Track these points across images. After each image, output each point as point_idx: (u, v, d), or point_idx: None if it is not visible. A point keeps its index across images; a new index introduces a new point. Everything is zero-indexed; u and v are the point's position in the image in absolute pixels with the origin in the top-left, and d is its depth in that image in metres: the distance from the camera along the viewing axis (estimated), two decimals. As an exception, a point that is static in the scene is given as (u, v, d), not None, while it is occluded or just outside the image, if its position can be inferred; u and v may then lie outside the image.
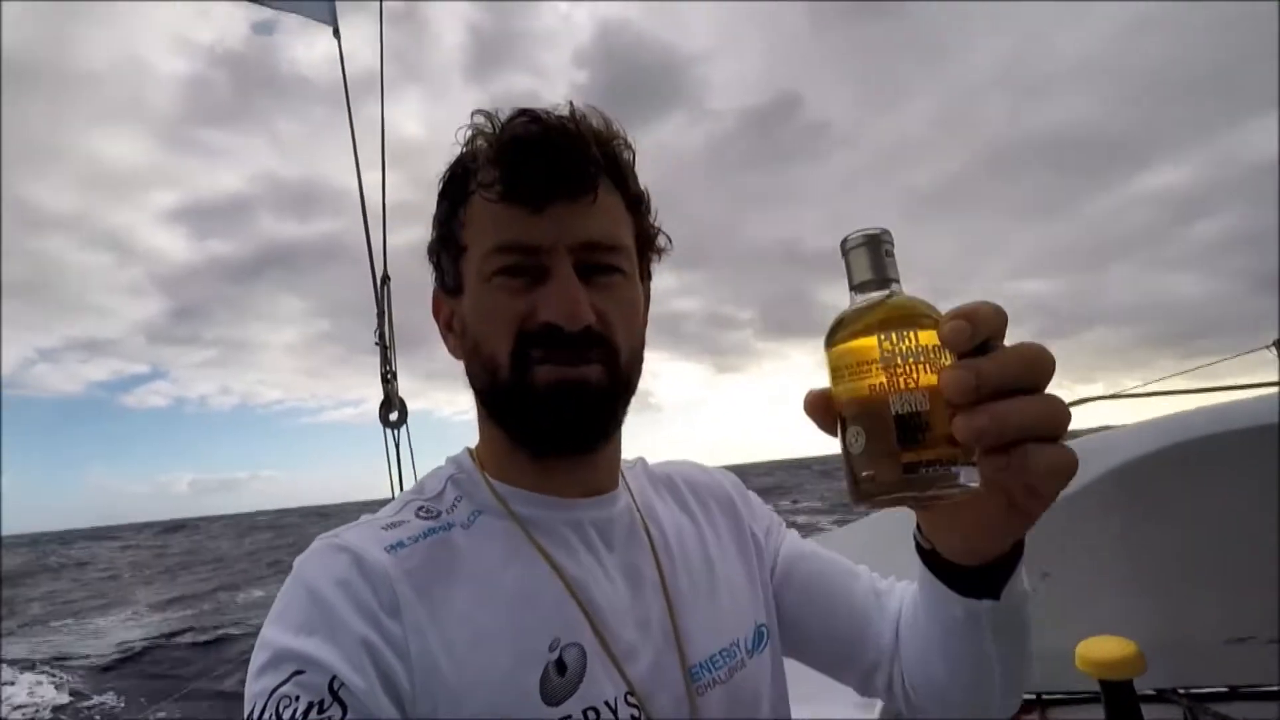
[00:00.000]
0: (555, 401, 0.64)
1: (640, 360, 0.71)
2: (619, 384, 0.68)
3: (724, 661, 0.71)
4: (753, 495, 0.90)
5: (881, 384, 0.43)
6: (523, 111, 0.66)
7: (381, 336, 1.76)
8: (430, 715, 0.57)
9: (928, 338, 0.44)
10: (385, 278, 2.02)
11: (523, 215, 0.64)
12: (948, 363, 0.43)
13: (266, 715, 0.53)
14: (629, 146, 0.70)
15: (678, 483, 0.85)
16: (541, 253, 0.64)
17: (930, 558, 0.62)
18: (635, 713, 0.63)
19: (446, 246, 0.70)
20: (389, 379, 1.68)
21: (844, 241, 0.49)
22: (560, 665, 0.61)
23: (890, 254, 0.48)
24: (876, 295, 0.47)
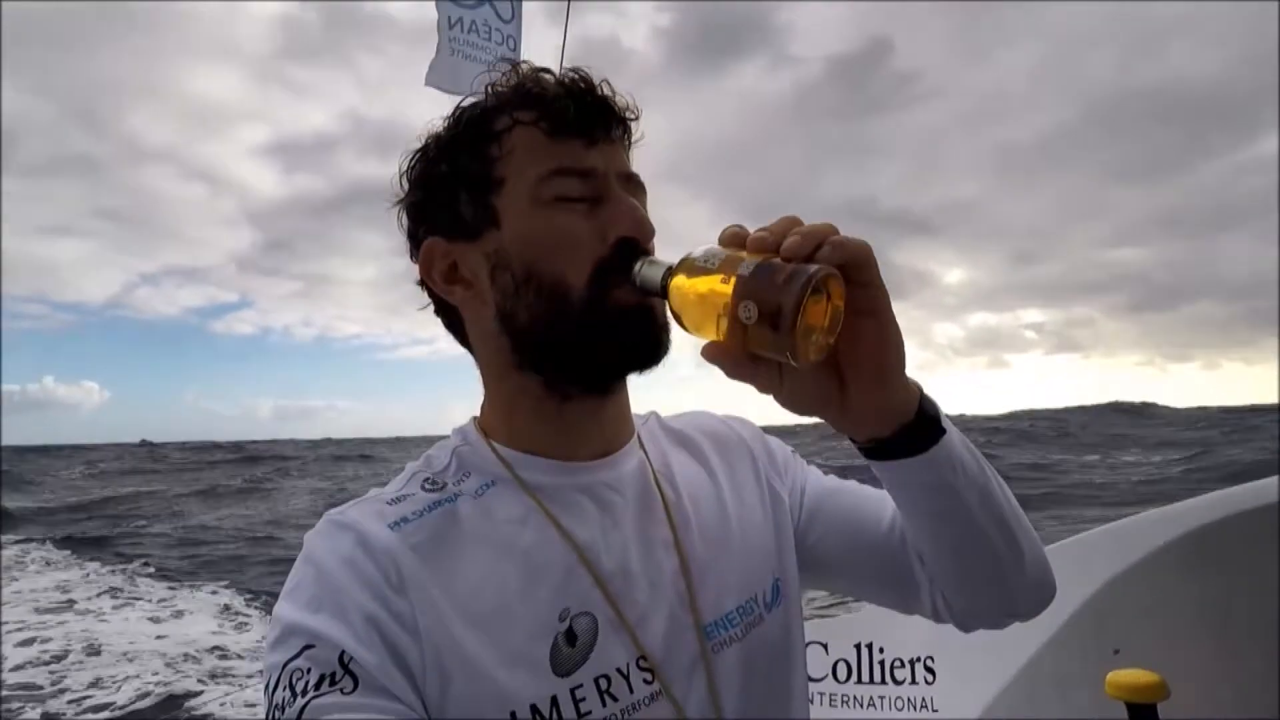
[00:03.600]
0: (634, 322, 0.65)
1: None
2: None
3: (740, 618, 0.71)
4: (772, 440, 0.88)
5: (731, 271, 0.54)
6: (538, 70, 0.69)
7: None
8: (441, 690, 0.58)
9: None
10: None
11: (576, 146, 0.66)
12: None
13: (280, 687, 0.55)
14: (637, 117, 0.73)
15: (693, 435, 0.83)
16: (597, 179, 0.67)
17: (872, 452, 0.64)
18: (648, 677, 0.64)
19: (471, 186, 0.68)
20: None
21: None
22: (570, 635, 0.62)
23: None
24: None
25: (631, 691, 0.63)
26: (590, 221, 0.66)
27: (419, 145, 0.72)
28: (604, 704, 0.61)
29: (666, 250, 0.65)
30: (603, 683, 0.62)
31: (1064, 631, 1.84)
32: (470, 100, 0.70)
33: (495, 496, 0.68)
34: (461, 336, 0.75)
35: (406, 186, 0.73)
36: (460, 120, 0.70)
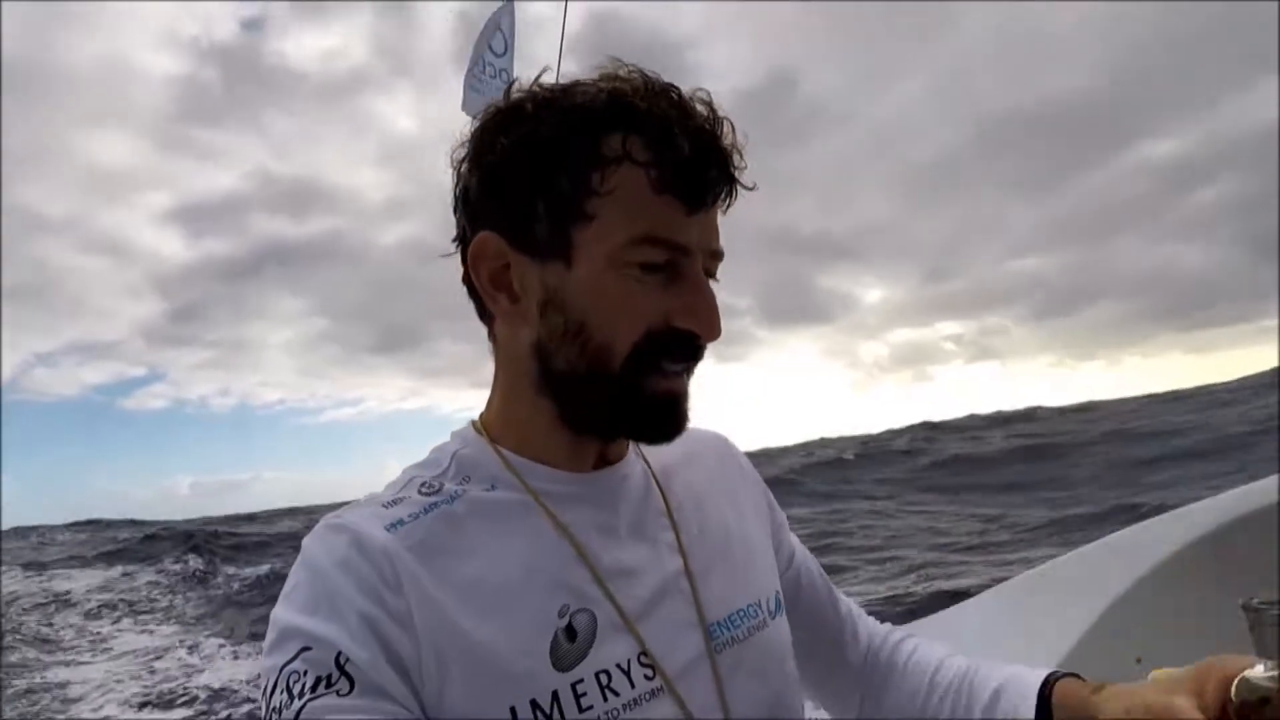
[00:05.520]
0: (661, 411, 0.66)
1: None
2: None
3: (743, 621, 0.71)
4: (769, 492, 0.89)
5: None
6: (668, 89, 0.64)
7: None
8: (441, 688, 0.58)
9: None
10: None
11: (677, 211, 0.63)
12: None
13: (278, 690, 0.55)
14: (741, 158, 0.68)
15: (695, 446, 0.83)
16: (685, 255, 0.64)
17: None
18: (649, 673, 0.64)
19: (553, 202, 0.63)
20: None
21: (1255, 610, 0.53)
22: (570, 631, 0.62)
23: None
24: None
25: (633, 687, 0.63)
26: (660, 295, 0.64)
27: (514, 106, 0.65)
28: (605, 699, 0.61)
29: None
30: (603, 678, 0.62)
31: (1084, 644, 1.80)
32: (586, 87, 0.64)
33: (495, 498, 0.67)
34: (485, 322, 0.73)
35: (484, 144, 0.66)
36: (569, 119, 0.63)
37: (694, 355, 0.67)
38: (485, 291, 0.68)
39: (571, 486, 0.69)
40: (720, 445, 0.87)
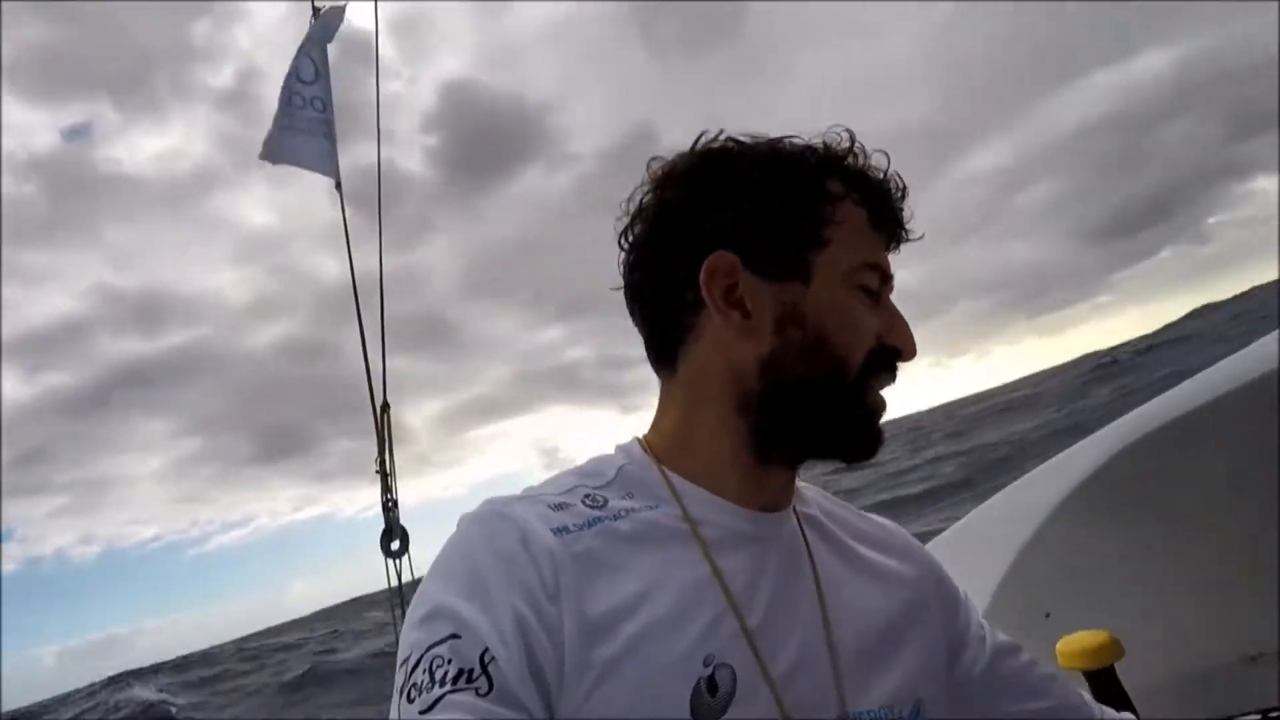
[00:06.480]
0: (875, 420, 0.70)
1: None
2: None
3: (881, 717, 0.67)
4: (966, 600, 0.84)
5: None
6: (864, 147, 0.72)
7: (382, 465, 1.71)
8: (576, 708, 0.56)
9: None
10: (385, 405, 1.93)
11: (882, 245, 0.72)
12: None
13: (420, 669, 0.55)
14: None
15: (867, 528, 0.82)
16: (887, 283, 0.72)
17: None
18: None
19: (794, 228, 0.68)
20: (390, 507, 1.67)
21: None
22: (711, 683, 0.60)
23: None
24: None
25: None
26: (873, 315, 0.70)
27: (722, 150, 0.71)
28: None
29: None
30: None
31: (996, 604, 1.74)
32: (790, 141, 0.72)
33: (656, 524, 0.67)
34: (668, 349, 0.73)
35: (703, 179, 0.71)
36: (799, 162, 0.70)
37: (895, 374, 0.71)
38: (719, 308, 0.69)
39: (734, 520, 0.69)
40: (899, 538, 0.84)
